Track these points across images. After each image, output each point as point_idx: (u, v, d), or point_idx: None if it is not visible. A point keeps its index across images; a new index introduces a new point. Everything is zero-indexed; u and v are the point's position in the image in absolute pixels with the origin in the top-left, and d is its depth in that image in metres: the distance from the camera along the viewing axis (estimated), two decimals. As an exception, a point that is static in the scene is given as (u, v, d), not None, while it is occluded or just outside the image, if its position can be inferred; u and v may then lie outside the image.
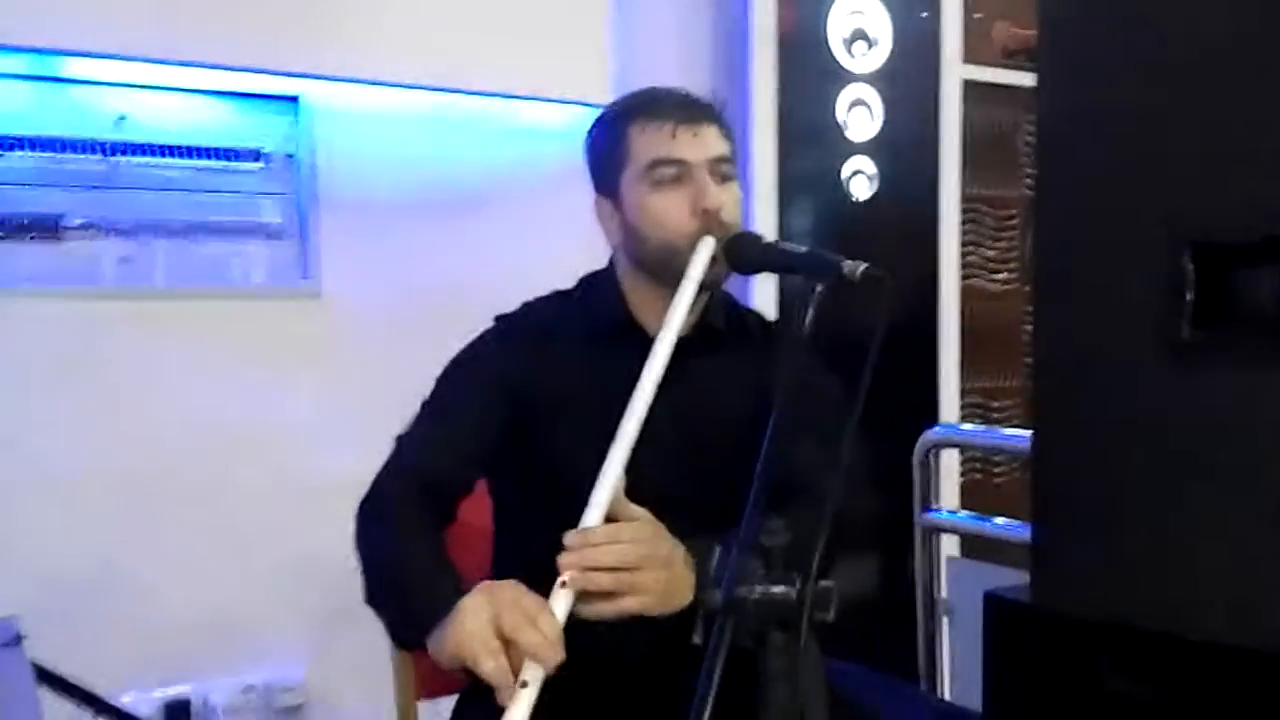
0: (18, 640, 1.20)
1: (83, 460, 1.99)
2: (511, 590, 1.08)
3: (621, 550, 1.13)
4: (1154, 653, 1.12)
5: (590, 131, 1.42)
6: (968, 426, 2.78)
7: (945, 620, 2.27)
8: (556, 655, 1.04)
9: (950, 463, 2.80)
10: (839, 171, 2.69)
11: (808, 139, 2.64)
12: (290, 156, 2.14)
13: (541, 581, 1.11)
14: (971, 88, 2.90)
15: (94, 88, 1.97)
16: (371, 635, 1.98)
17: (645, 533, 1.16)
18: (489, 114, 2.32)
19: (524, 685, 1.02)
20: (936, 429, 2.45)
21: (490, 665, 1.03)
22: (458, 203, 2.31)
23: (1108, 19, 1.17)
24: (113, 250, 1.99)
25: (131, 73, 1.98)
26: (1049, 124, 1.26)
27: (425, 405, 1.40)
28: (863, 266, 1.12)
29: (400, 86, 2.18)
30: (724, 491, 1.17)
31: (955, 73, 2.84)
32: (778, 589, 0.96)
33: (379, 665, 1.69)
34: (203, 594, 2.08)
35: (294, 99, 2.12)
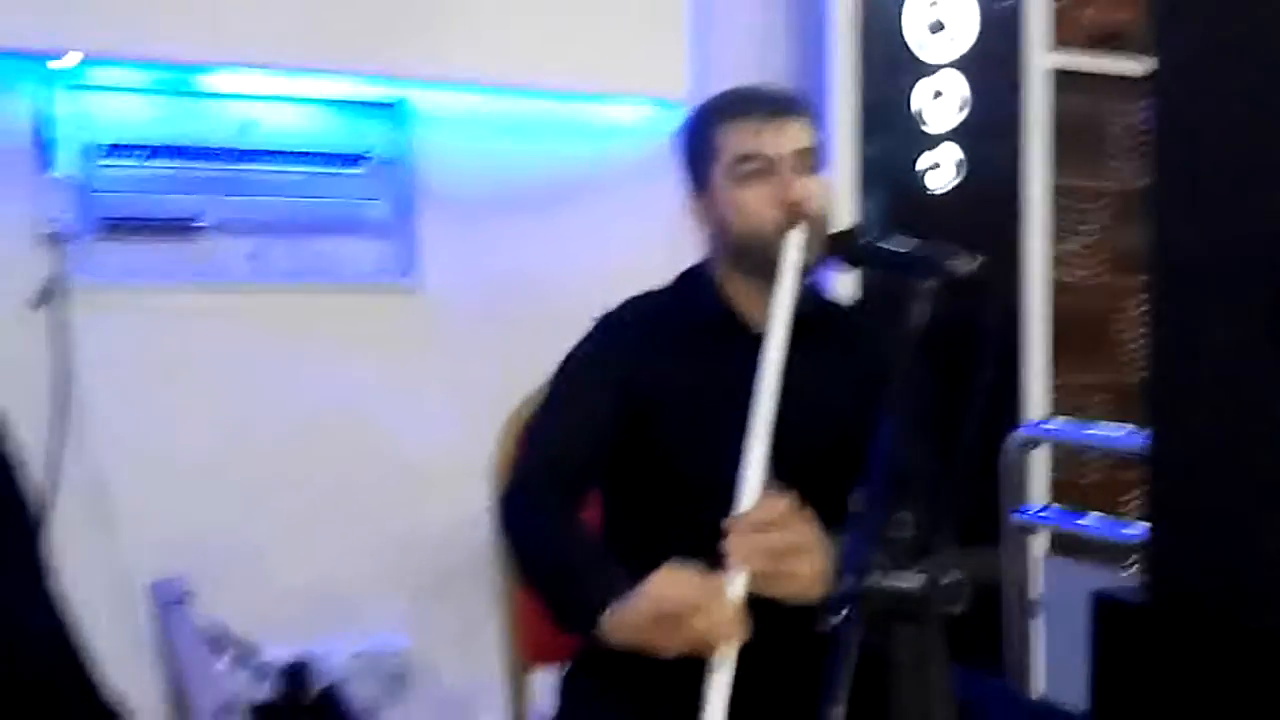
0: (183, 599, 1.42)
1: (213, 439, 2.26)
2: (690, 573, 1.19)
3: (785, 536, 1.20)
4: (1272, 654, 1.11)
5: (680, 131, 1.53)
6: (1058, 423, 2.85)
7: (1035, 618, 2.34)
8: (740, 633, 1.15)
9: (1039, 460, 2.85)
10: (917, 162, 2.79)
11: (886, 129, 2.75)
12: (393, 159, 2.38)
13: (654, 569, 1.21)
14: (1057, 75, 2.96)
15: (223, 100, 2.25)
16: (469, 606, 2.23)
17: (800, 519, 1.22)
18: (573, 113, 2.53)
19: (715, 667, 1.14)
20: (1027, 426, 2.51)
21: (678, 643, 1.15)
22: (545, 199, 2.53)
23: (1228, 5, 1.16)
24: (239, 248, 2.27)
25: (255, 84, 2.25)
26: (1165, 118, 1.25)
27: (550, 400, 1.51)
28: (971, 264, 1.17)
29: (491, 90, 2.40)
30: (819, 481, 1.26)
31: (1040, 60, 2.91)
32: (906, 581, 0.99)
33: (478, 634, 1.88)
34: (315, 565, 2.33)
35: (396, 105, 2.36)
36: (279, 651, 2.17)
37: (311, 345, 2.34)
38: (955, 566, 1.01)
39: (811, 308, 1.44)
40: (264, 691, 2.05)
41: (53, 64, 2.07)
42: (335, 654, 2.31)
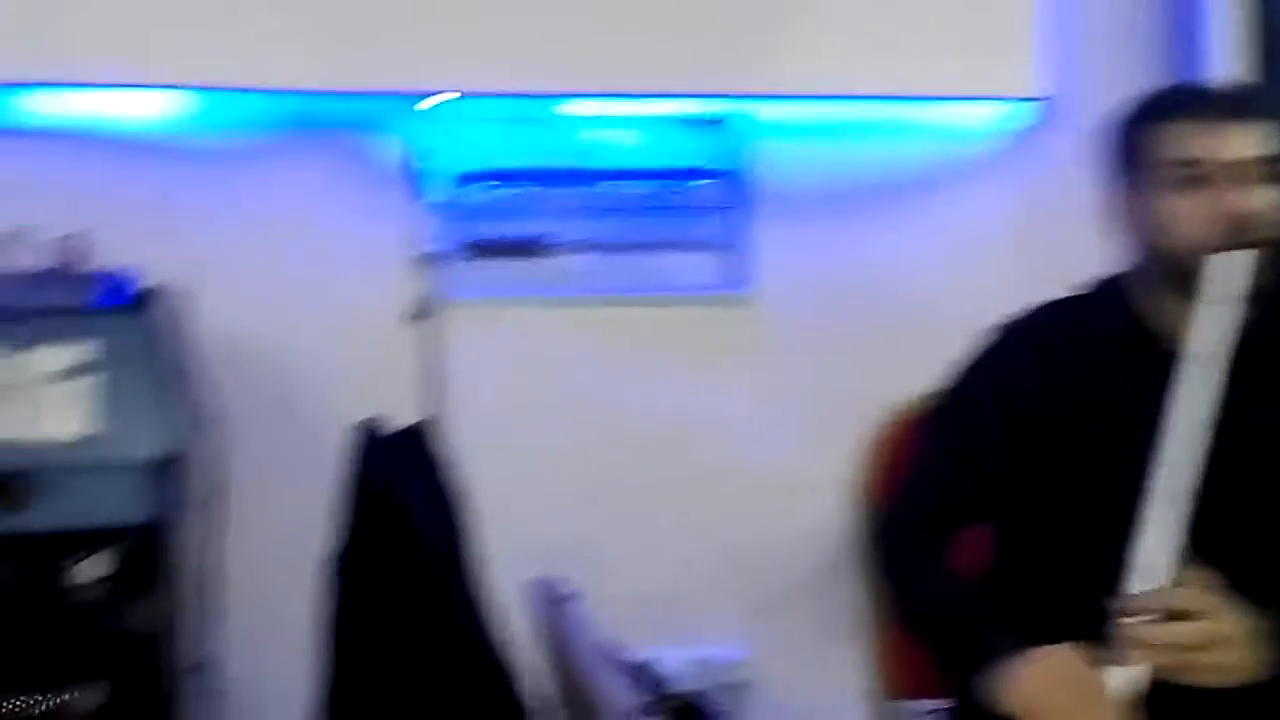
0: (567, 599, 1.50)
1: (557, 448, 2.41)
2: (1070, 664, 1.13)
3: (1188, 629, 1.09)
4: None
5: (1108, 132, 1.40)
6: None
7: None
8: None
9: None
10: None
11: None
12: (727, 172, 2.45)
13: (1050, 610, 1.20)
14: None
15: (571, 124, 2.42)
16: (810, 621, 2.23)
17: (1211, 606, 1.10)
18: (911, 115, 2.50)
19: None
20: None
21: None
22: (885, 204, 2.51)
23: None
24: (584, 264, 2.42)
25: (600, 109, 2.40)
26: None
27: (935, 421, 1.46)
28: None
29: (826, 99, 2.42)
30: (1251, 539, 1.18)
31: None
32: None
33: (821, 652, 1.87)
34: (656, 573, 2.42)
35: (730, 119, 2.43)
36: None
37: (653, 356, 2.46)
38: None
39: (1259, 338, 1.27)
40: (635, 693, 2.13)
41: (423, 104, 2.31)
42: (673, 660, 2.38)
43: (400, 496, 1.21)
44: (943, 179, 2.52)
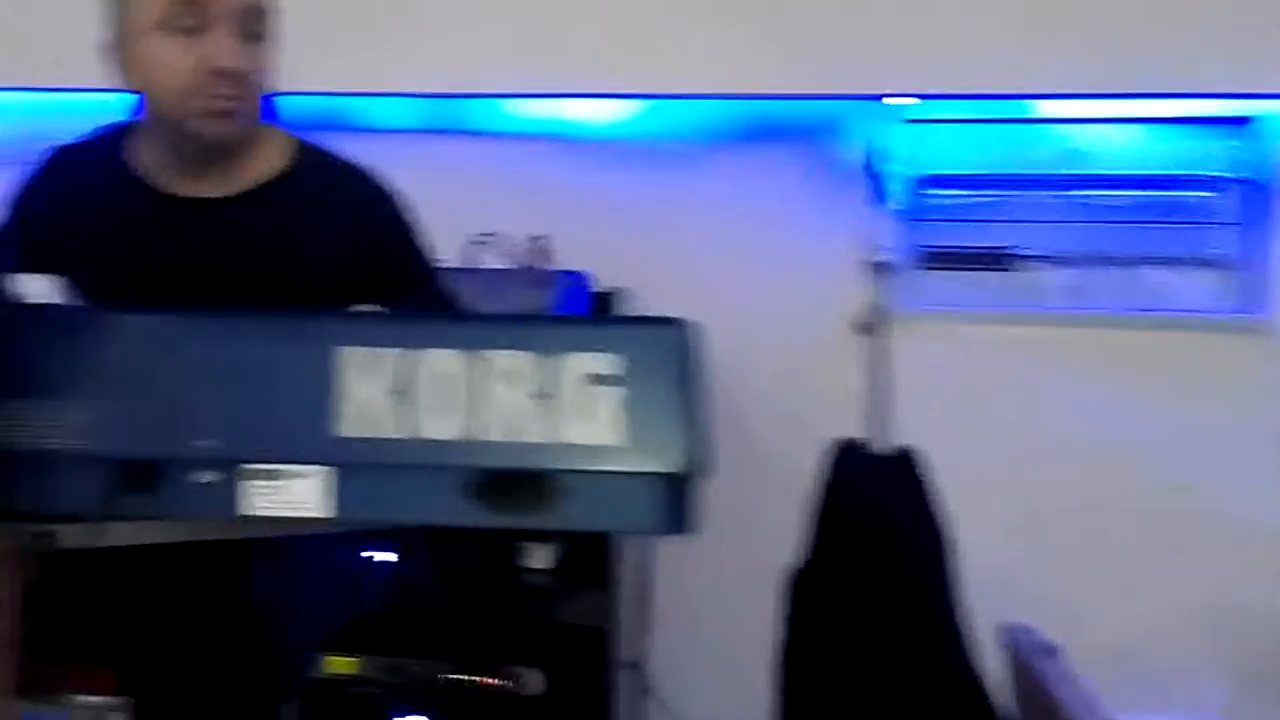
0: (1049, 651, 1.38)
1: (1020, 473, 2.23)
2: None
3: None
4: None
5: None
6: None
7: None
8: None
9: None
10: None
11: None
12: (1244, 181, 2.17)
13: None
14: None
15: (1048, 126, 2.24)
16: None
17: None
18: None
19: None
20: None
21: None
22: None
23: None
24: (1059, 280, 2.23)
25: (1082, 109, 2.20)
26: None
27: None
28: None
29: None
30: None
31: None
32: None
33: None
34: (1122, 625, 2.19)
35: (1249, 120, 2.16)
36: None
37: (1137, 384, 2.22)
38: None
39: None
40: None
41: (886, 104, 2.22)
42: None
43: (890, 520, 1.13)
44: None
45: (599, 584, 2.08)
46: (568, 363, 0.91)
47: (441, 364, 0.92)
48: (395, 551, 1.81)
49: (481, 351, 0.92)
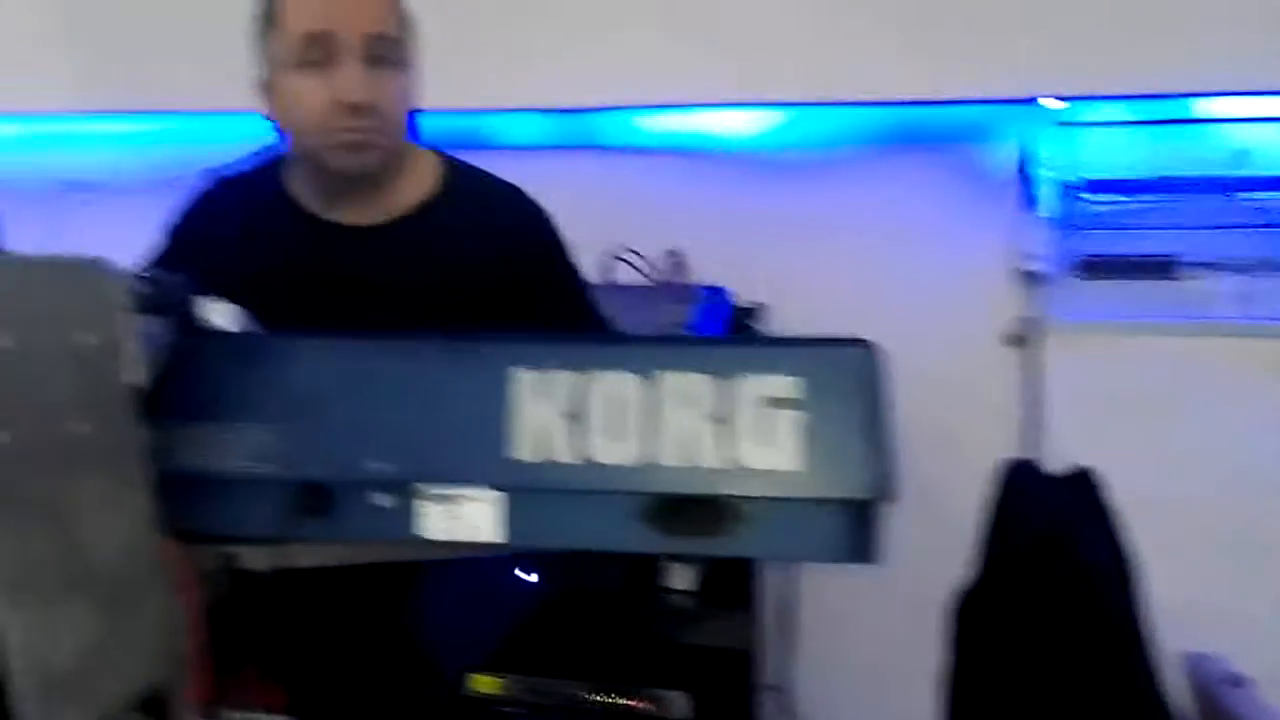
0: (1238, 682, 1.30)
1: (1176, 500, 2.10)
2: None
3: None
4: None
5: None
6: None
7: None
8: None
9: None
10: None
11: None
12: None
13: None
14: None
15: (1213, 126, 2.12)
16: None
17: None
18: None
19: None
20: None
21: None
22: None
23: None
24: (1226, 287, 2.11)
25: (1251, 107, 2.09)
26: None
27: None
28: None
29: None
30: None
31: None
32: None
33: None
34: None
35: None
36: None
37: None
38: None
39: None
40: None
41: (1041, 106, 2.14)
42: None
43: (1073, 544, 1.09)
44: None
45: (742, 605, 2.05)
46: (745, 385, 0.89)
47: (615, 386, 0.91)
48: (537, 572, 1.82)
49: (656, 373, 0.90)
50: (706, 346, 0.93)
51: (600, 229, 2.15)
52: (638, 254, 2.27)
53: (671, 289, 2.23)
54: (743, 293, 2.20)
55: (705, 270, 2.27)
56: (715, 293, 2.17)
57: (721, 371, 0.89)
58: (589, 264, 2.04)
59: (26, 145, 2.65)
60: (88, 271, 0.83)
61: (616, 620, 2.08)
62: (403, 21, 1.44)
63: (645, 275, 2.28)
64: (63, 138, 2.64)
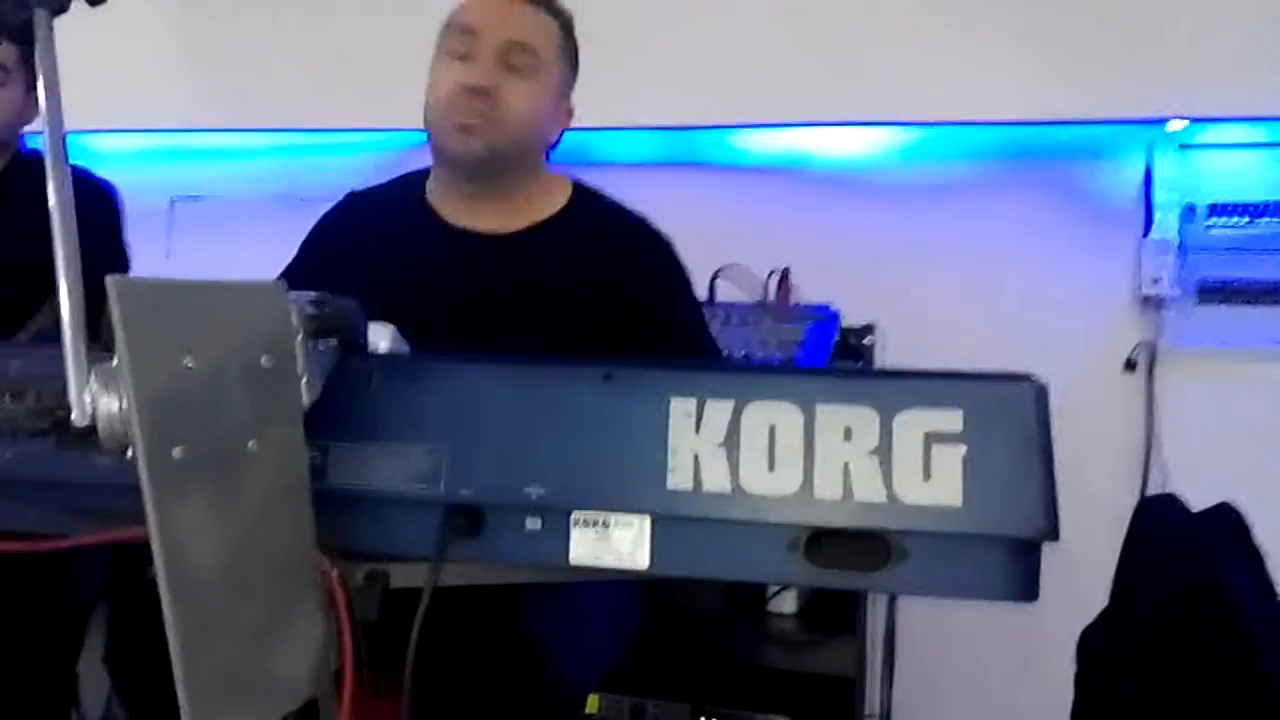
0: None
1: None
2: None
3: None
4: None
5: None
6: None
7: None
8: None
9: None
10: None
11: None
12: None
13: None
14: None
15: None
16: None
17: None
18: None
19: None
20: None
21: None
22: None
23: None
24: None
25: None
26: None
27: None
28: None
29: None
30: None
31: None
32: None
33: None
34: None
35: None
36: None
37: None
38: None
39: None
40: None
41: (1171, 126, 2.12)
42: None
43: (1218, 584, 1.07)
44: None
45: (846, 631, 2.04)
46: (905, 419, 0.89)
47: (773, 417, 0.91)
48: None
49: (815, 405, 0.91)
50: (867, 380, 0.93)
51: (705, 247, 2.15)
52: (743, 272, 2.27)
53: (781, 308, 2.22)
54: (851, 314, 2.20)
55: (814, 290, 2.26)
56: (825, 311, 2.17)
57: (882, 404, 0.89)
58: (698, 281, 2.06)
59: (144, 159, 2.74)
60: (267, 295, 0.86)
61: (720, 643, 2.08)
62: (552, 43, 1.50)
63: (750, 294, 2.28)
64: (177, 151, 2.72)
